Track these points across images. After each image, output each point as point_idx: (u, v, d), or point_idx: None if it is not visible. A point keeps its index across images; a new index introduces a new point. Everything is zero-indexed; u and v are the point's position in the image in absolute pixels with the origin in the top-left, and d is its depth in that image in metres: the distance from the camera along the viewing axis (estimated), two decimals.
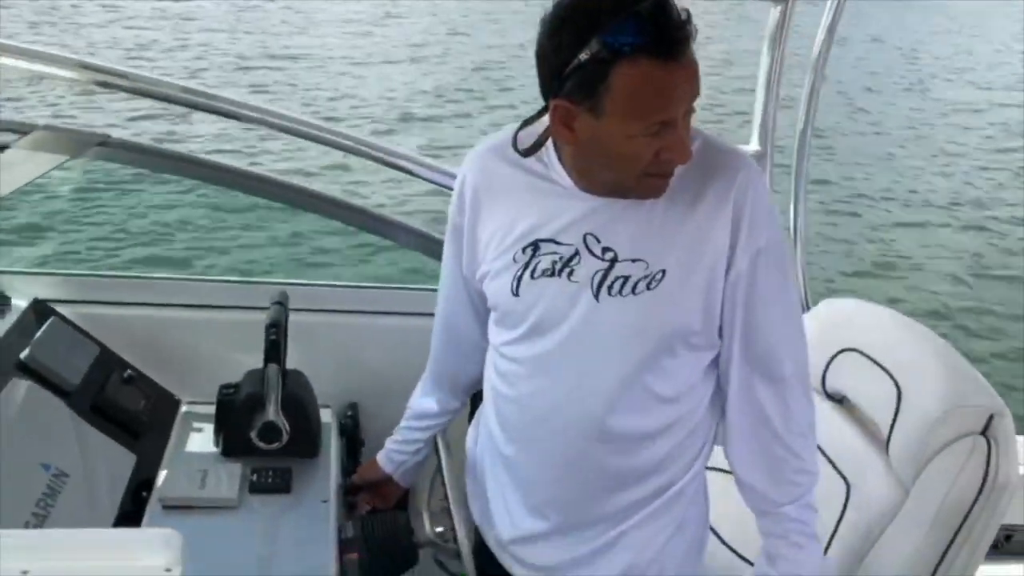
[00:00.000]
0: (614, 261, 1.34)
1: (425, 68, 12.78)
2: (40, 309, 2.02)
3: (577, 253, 1.36)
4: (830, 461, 1.88)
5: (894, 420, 1.75)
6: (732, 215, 1.32)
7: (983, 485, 1.59)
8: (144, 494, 1.78)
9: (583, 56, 1.19)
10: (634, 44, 1.16)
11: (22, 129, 1.96)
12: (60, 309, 2.06)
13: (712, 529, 1.65)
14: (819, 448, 1.90)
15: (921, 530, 1.63)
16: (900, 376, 1.78)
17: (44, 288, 2.08)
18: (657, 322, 1.35)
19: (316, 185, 2.51)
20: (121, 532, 1.46)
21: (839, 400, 1.95)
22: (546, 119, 1.32)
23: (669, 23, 1.17)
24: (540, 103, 1.32)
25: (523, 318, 1.42)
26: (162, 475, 1.84)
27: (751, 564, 1.85)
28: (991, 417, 1.62)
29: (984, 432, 1.61)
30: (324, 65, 12.41)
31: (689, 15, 1.19)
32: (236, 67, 11.92)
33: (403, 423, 1.83)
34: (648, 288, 1.33)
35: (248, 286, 2.31)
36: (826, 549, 1.82)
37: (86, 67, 2.12)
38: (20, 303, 2.00)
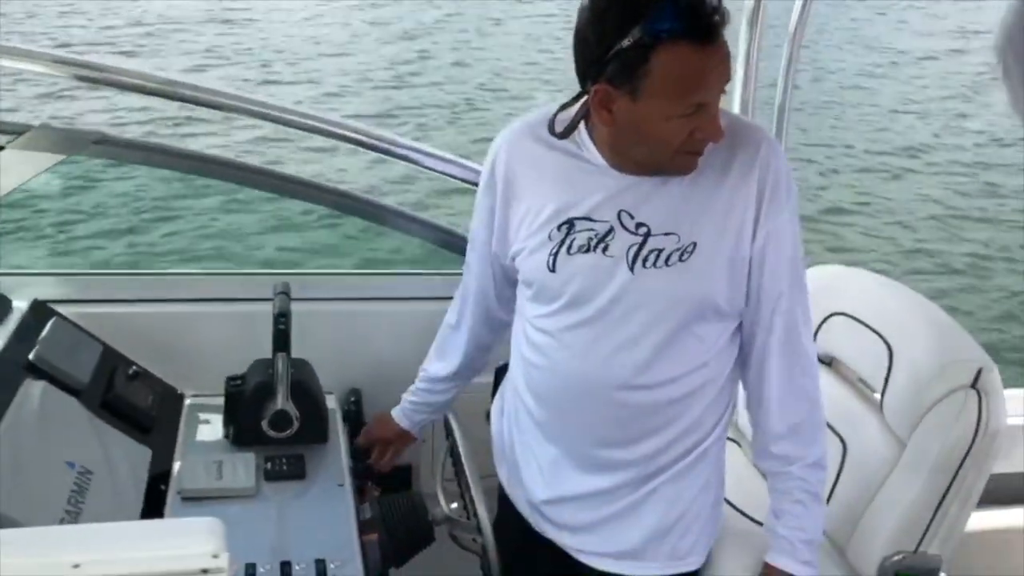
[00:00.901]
0: (647, 235, 1.41)
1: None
2: (40, 310, 2.02)
3: (612, 229, 1.42)
4: (825, 422, 1.96)
5: (887, 379, 1.83)
6: (757, 187, 1.41)
7: (975, 435, 1.67)
8: (162, 487, 1.80)
9: (625, 42, 1.25)
10: (673, 29, 1.23)
11: (17, 129, 1.95)
12: (59, 309, 2.07)
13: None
14: None
15: (918, 481, 1.72)
16: (890, 336, 1.86)
17: (42, 288, 2.08)
18: (690, 291, 1.42)
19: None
20: (165, 523, 1.49)
21: (827, 363, 2.03)
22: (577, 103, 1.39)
23: (704, 8, 1.25)
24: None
25: (560, 292, 1.48)
26: (177, 467, 1.86)
27: (759, 524, 1.94)
28: (979, 371, 1.71)
29: (974, 385, 1.70)
30: None
31: (721, 1, 1.25)
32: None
33: (420, 385, 1.93)
34: (681, 260, 1.40)
35: (244, 278, 2.32)
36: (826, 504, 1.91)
37: (65, 62, 2.11)
38: (20, 304, 2.00)
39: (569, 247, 1.45)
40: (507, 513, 1.75)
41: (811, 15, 2.24)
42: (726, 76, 1.32)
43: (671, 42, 1.24)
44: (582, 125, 1.46)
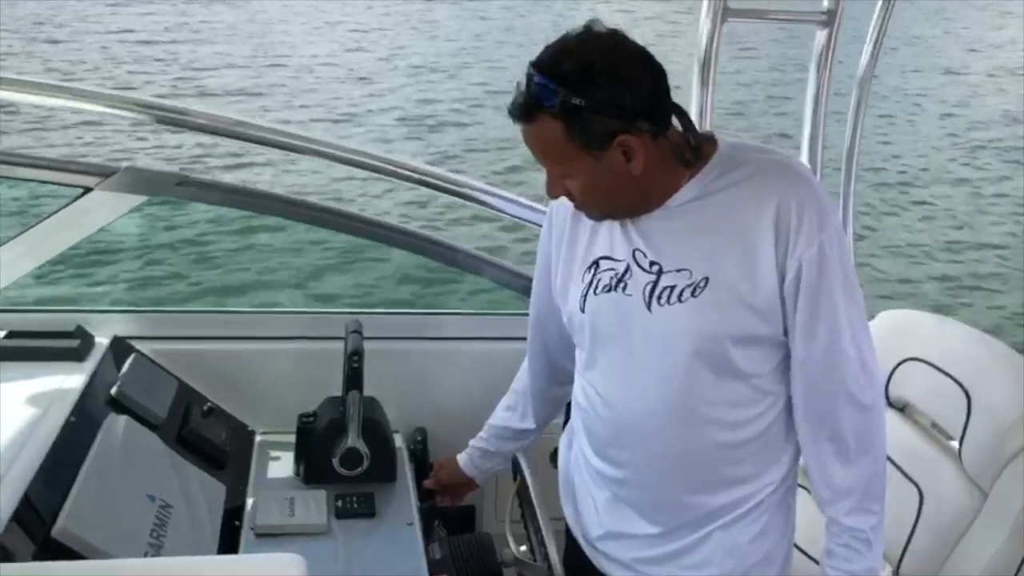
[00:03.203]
0: (660, 272, 1.42)
1: None
2: (120, 346, 2.08)
3: (628, 268, 1.45)
4: (899, 468, 1.92)
5: (965, 426, 1.79)
6: (774, 219, 1.35)
7: None
8: (236, 523, 1.82)
9: None
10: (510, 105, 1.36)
11: (104, 171, 2.02)
12: (137, 345, 2.12)
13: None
14: (888, 457, 1.96)
15: (1002, 533, 1.67)
16: (968, 383, 1.83)
17: (122, 325, 2.14)
18: (707, 327, 1.39)
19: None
20: (249, 558, 1.51)
21: (901, 408, 2.00)
22: None
23: (523, 91, 1.33)
24: None
25: (589, 334, 1.51)
26: (250, 503, 1.89)
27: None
28: None
29: None
30: None
31: (533, 87, 1.33)
32: None
33: (487, 434, 1.92)
34: (693, 295, 1.39)
35: (316, 317, 2.36)
36: (901, 555, 1.86)
37: (148, 106, 2.19)
38: (102, 341, 2.06)
39: (596, 287, 1.48)
40: (574, 553, 1.73)
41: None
42: (540, 154, 1.39)
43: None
44: None
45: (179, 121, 2.19)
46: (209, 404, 2.10)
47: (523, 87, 1.33)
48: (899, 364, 1.98)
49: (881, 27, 2.24)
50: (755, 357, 1.43)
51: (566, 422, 1.77)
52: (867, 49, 2.26)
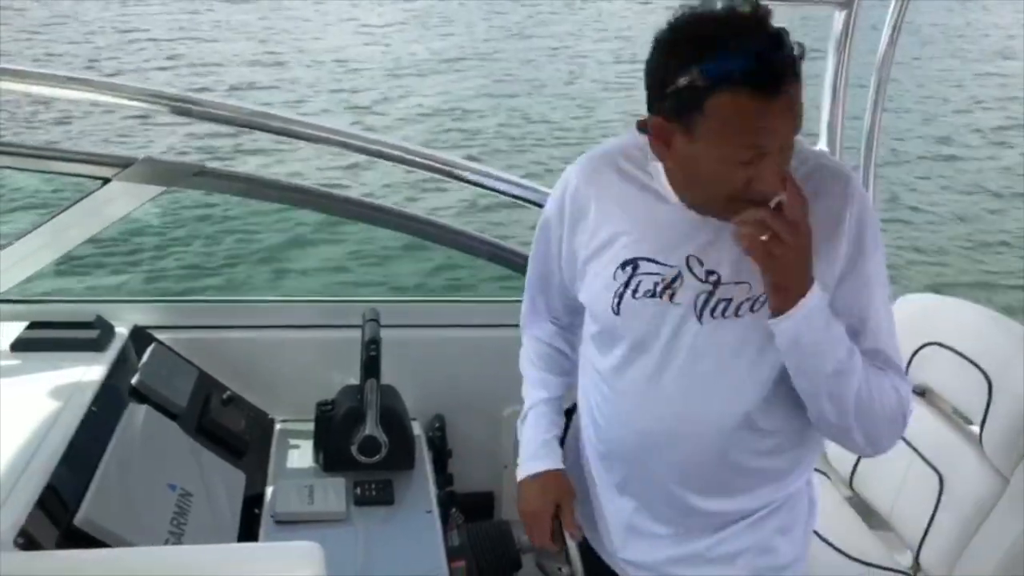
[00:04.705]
0: (717, 284, 1.34)
1: None
2: (140, 336, 2.10)
3: (680, 275, 1.35)
4: (919, 454, 1.91)
5: (986, 411, 1.78)
6: (845, 239, 1.33)
7: None
8: (256, 510, 1.84)
9: (682, 81, 1.20)
10: (732, 76, 1.17)
11: (122, 162, 2.03)
12: (157, 335, 2.14)
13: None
14: (907, 441, 1.95)
15: (1022, 521, 1.66)
16: (989, 367, 1.81)
17: (141, 315, 2.16)
18: (761, 343, 1.35)
19: None
20: (268, 546, 1.53)
21: (921, 393, 1.99)
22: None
23: (775, 58, 1.18)
24: None
25: (622, 338, 1.42)
26: (269, 491, 1.90)
27: (850, 558, 1.90)
28: None
29: None
30: None
31: (803, 50, 1.20)
32: None
33: (548, 413, 1.61)
34: (752, 311, 1.33)
35: (334, 305, 2.36)
36: (922, 540, 1.86)
37: (158, 96, 2.19)
38: (122, 331, 2.07)
39: (635, 290, 1.38)
40: (590, 546, 1.73)
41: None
42: (790, 127, 1.23)
43: (730, 89, 1.17)
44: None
45: (194, 112, 2.20)
46: (229, 393, 2.12)
47: (777, 52, 1.18)
48: (919, 348, 1.96)
49: (900, 11, 2.21)
50: None
51: (566, 430, 1.64)
52: (886, 33, 2.23)
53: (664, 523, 1.50)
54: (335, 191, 2.34)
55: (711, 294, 1.34)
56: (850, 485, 2.11)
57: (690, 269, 1.35)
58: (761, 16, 1.21)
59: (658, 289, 1.36)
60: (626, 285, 1.38)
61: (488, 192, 2.29)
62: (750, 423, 1.41)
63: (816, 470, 1.61)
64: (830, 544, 1.87)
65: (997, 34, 16.11)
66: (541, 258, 1.57)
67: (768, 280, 1.28)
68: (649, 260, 1.37)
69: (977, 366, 1.83)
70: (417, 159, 2.27)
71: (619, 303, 1.39)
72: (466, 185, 2.32)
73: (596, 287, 1.43)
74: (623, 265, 1.38)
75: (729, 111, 1.19)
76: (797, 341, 1.29)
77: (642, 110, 1.32)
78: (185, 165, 2.12)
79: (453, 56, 13.89)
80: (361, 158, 2.30)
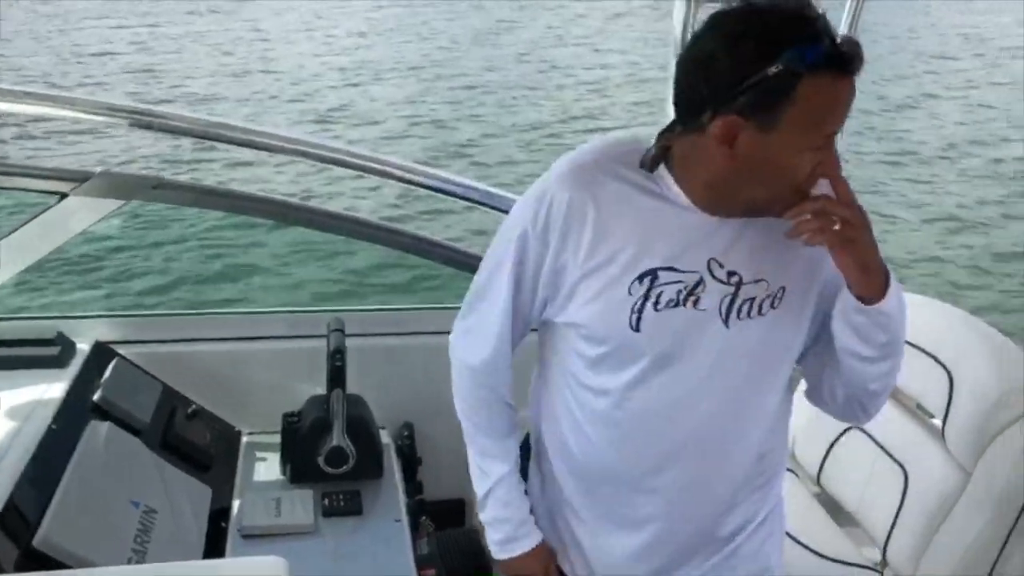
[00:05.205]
0: (740, 284, 1.31)
1: None
2: (102, 351, 2.07)
3: (701, 280, 1.30)
4: (884, 450, 1.93)
5: (948, 406, 1.79)
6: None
7: None
8: (223, 524, 1.82)
9: (772, 70, 1.17)
10: (822, 58, 1.17)
11: (80, 177, 2.01)
12: (120, 350, 2.11)
13: None
14: (872, 438, 1.97)
15: (986, 512, 1.68)
16: (950, 363, 1.83)
17: (104, 330, 2.13)
18: (785, 338, 1.35)
19: None
20: (232, 562, 1.51)
21: None
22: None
23: (846, 42, 1.19)
24: None
25: (642, 354, 1.32)
26: (236, 505, 1.88)
27: (819, 555, 1.91)
28: None
29: None
30: None
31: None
32: None
33: (512, 491, 1.50)
34: (773, 307, 1.32)
35: (299, 316, 2.35)
36: (888, 535, 1.87)
37: (115, 110, 2.17)
38: (83, 347, 2.05)
39: (656, 302, 1.30)
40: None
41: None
42: (844, 113, 1.23)
43: (819, 71, 1.17)
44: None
45: (154, 124, 2.17)
46: (194, 407, 2.10)
47: (839, 40, 1.18)
48: None
49: (856, 10, 2.22)
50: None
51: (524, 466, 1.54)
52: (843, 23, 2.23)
53: (671, 550, 1.43)
54: (294, 200, 2.32)
55: (735, 295, 1.31)
56: (818, 482, 2.13)
57: (711, 273, 1.31)
58: (809, 4, 1.21)
59: (681, 297, 1.30)
60: (645, 298, 1.30)
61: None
62: (775, 423, 1.40)
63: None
64: (799, 542, 1.88)
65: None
66: (513, 282, 1.38)
67: (850, 265, 1.25)
68: (668, 269, 1.30)
69: (939, 361, 1.85)
70: (378, 167, 2.26)
71: (639, 319, 1.30)
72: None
73: (600, 307, 1.32)
74: (640, 278, 1.30)
75: (818, 94, 1.18)
76: (893, 316, 1.29)
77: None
78: (143, 178, 2.10)
79: (417, 64, 13.95)
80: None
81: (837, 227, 1.22)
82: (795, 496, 2.05)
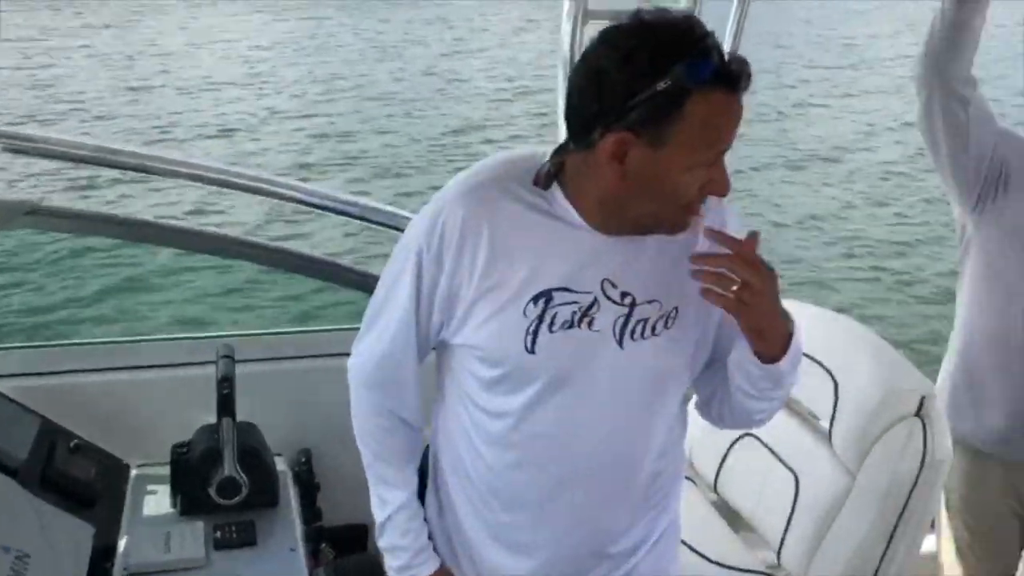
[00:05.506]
0: (633, 305, 1.31)
1: None
2: None
3: (596, 301, 1.30)
4: (776, 456, 1.97)
5: (834, 411, 1.85)
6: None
7: (922, 464, 1.69)
8: (108, 564, 1.75)
9: (661, 85, 1.16)
10: (711, 74, 1.17)
11: None
12: None
13: None
14: (765, 444, 2.01)
15: (870, 513, 1.73)
16: (835, 369, 1.88)
17: None
18: (678, 359, 1.36)
19: None
20: None
21: None
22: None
23: (734, 60, 1.20)
24: None
25: (537, 376, 1.31)
26: (123, 542, 1.81)
27: (715, 564, 1.94)
28: (923, 399, 1.73)
29: (918, 413, 1.72)
30: None
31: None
32: None
33: (412, 519, 1.49)
34: (666, 327, 1.33)
35: (187, 343, 2.28)
36: (782, 539, 1.91)
37: None
38: None
39: (551, 324, 1.29)
40: None
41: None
42: (734, 132, 1.24)
43: (708, 87, 1.17)
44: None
45: (30, 149, 2.08)
46: (76, 441, 2.00)
47: (726, 58, 1.19)
48: None
49: (738, 25, 2.27)
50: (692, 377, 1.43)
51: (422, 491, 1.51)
52: (728, 38, 2.26)
53: (569, 572, 1.42)
54: (178, 223, 2.25)
55: (629, 316, 1.31)
56: (715, 489, 2.17)
57: (605, 294, 1.30)
58: (699, 22, 1.21)
59: (575, 318, 1.30)
60: (540, 320, 1.29)
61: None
62: (670, 441, 1.40)
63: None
64: (695, 550, 1.91)
65: None
66: (411, 301, 1.35)
67: (746, 328, 1.26)
68: (563, 289, 1.29)
69: (824, 368, 1.90)
70: (275, 189, 2.22)
71: (534, 341, 1.29)
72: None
73: (496, 328, 1.30)
74: (535, 299, 1.29)
75: (707, 111, 1.18)
76: (787, 373, 1.31)
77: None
78: (15, 203, 2.01)
79: (326, 76, 13.86)
80: None
81: (735, 288, 1.23)
82: (693, 504, 2.08)
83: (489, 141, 10.53)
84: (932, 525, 2.31)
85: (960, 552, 2.25)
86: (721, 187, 1.25)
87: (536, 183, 1.31)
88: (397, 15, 19.44)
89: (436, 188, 1.38)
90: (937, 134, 2.00)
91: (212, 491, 1.88)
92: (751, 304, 1.23)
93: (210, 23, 17.77)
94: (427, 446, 1.52)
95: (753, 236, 1.25)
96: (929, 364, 2.14)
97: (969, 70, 1.97)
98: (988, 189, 2.04)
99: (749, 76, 1.20)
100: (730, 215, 1.39)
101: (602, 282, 1.30)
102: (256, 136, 10.72)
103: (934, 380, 2.04)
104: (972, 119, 1.98)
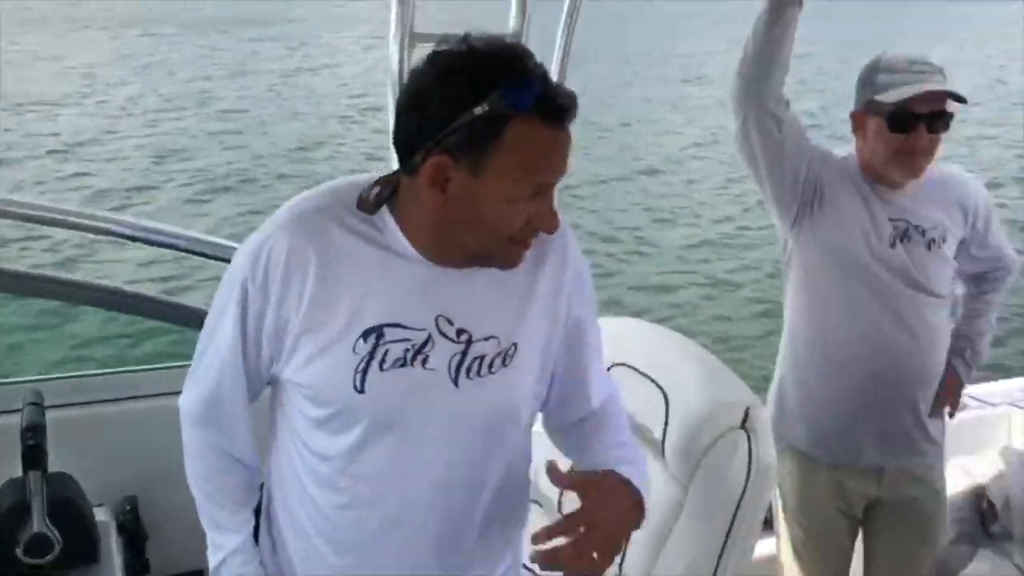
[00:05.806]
0: (469, 342, 1.28)
1: None
2: None
3: (430, 338, 1.26)
4: None
5: (665, 426, 1.88)
6: (569, 277, 1.37)
7: (748, 474, 1.74)
8: None
9: (479, 110, 1.14)
10: (531, 103, 1.15)
11: None
12: None
13: None
14: None
15: (702, 525, 1.76)
16: (665, 384, 1.92)
17: None
18: (518, 397, 1.35)
19: None
20: None
21: None
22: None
23: (559, 91, 1.19)
24: None
25: (366, 416, 1.27)
26: None
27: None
28: (747, 410, 1.78)
29: (743, 425, 1.77)
30: None
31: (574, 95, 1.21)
32: None
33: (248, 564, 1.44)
34: (504, 364, 1.30)
35: None
36: (623, 554, 1.92)
37: None
38: None
39: (382, 362, 1.25)
40: None
41: None
42: (566, 165, 1.22)
43: (527, 117, 1.15)
44: (384, 207, 1.28)
45: None
46: None
47: (556, 86, 1.18)
48: (608, 370, 2.05)
49: (567, 38, 2.29)
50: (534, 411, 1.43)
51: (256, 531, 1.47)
52: (556, 58, 2.28)
53: None
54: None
55: (465, 354, 1.28)
56: (559, 510, 2.17)
57: (440, 330, 1.27)
58: (526, 50, 1.20)
59: (408, 356, 1.26)
60: (371, 357, 1.25)
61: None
62: (508, 479, 1.38)
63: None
64: (535, 574, 1.90)
65: None
66: (238, 334, 1.30)
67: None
68: (395, 325, 1.25)
69: (655, 382, 1.94)
70: (84, 222, 2.09)
71: (363, 379, 1.25)
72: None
73: (325, 365, 1.26)
74: (365, 335, 1.24)
75: (526, 140, 1.16)
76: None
77: None
78: None
79: (167, 94, 13.45)
80: None
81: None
82: (538, 526, 2.07)
83: (333, 157, 10.45)
84: (771, 528, 2.40)
85: (796, 552, 2.36)
86: (547, 223, 1.24)
87: (360, 207, 1.27)
88: (245, 33, 19.05)
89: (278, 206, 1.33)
90: (755, 152, 2.09)
91: (19, 551, 1.74)
92: (614, 538, 1.35)
93: (42, 40, 16.91)
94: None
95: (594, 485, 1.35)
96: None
97: (780, 90, 2.06)
98: (804, 206, 2.14)
99: (575, 109, 1.19)
100: (571, 241, 1.40)
101: (436, 318, 1.27)
102: (89, 157, 10.22)
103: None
104: (786, 136, 2.07)
